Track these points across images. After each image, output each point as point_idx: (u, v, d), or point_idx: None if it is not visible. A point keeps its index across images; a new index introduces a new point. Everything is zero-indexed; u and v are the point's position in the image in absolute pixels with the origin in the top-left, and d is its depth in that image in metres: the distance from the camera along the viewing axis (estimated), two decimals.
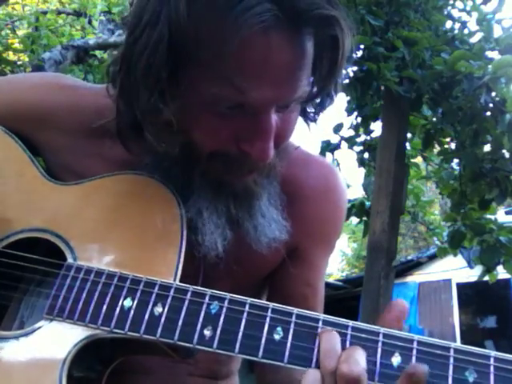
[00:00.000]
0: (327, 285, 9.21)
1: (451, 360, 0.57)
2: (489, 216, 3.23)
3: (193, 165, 0.71)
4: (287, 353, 0.59)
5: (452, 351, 0.58)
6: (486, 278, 3.24)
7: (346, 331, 0.60)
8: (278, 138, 0.68)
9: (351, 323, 0.60)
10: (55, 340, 0.64)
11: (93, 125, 0.78)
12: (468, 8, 3.30)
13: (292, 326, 0.60)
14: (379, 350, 0.58)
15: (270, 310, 0.61)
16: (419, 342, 0.58)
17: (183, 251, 0.68)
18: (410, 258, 10.23)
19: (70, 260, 0.68)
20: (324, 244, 0.88)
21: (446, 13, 3.32)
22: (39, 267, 0.71)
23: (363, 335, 0.59)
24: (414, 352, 0.58)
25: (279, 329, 0.60)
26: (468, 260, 3.29)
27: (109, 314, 0.63)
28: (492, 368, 0.56)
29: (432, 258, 8.87)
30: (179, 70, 0.63)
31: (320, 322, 0.60)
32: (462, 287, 8.95)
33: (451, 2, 3.35)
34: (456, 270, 8.38)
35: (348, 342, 0.59)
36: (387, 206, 3.07)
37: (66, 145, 0.80)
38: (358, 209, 3.66)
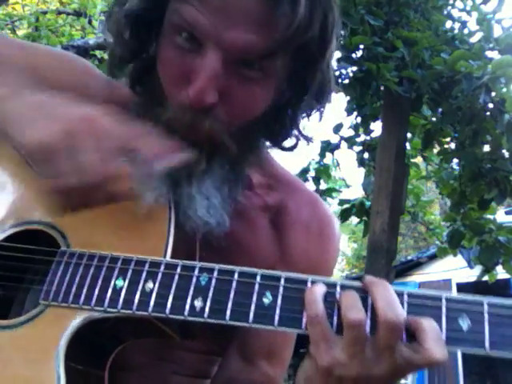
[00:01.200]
0: None
1: (443, 309, 0.58)
2: (488, 216, 3.23)
3: (156, 98, 0.72)
4: (277, 317, 0.60)
5: (444, 301, 0.58)
6: (486, 277, 3.24)
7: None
8: (229, 105, 0.67)
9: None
10: (53, 325, 0.65)
11: (104, 101, 0.80)
12: (468, 8, 3.30)
13: (281, 289, 0.62)
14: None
15: (258, 277, 0.63)
16: (409, 295, 0.59)
17: (172, 227, 0.69)
18: (410, 258, 10.23)
19: (63, 247, 0.70)
20: None
21: (445, 13, 3.32)
22: (35, 257, 0.72)
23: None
24: (406, 304, 0.58)
25: (268, 293, 0.62)
26: (468, 260, 3.28)
27: (101, 295, 0.65)
28: (486, 315, 0.56)
29: (432, 258, 8.87)
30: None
31: (308, 283, 0.62)
32: (462, 287, 8.94)
33: (451, 2, 3.35)
34: (456, 269, 8.38)
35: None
36: (387, 206, 3.07)
37: None
38: (357, 209, 3.67)
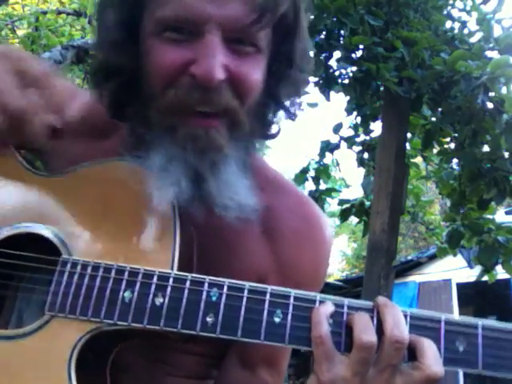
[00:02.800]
0: (327, 285, 9.21)
1: (442, 332, 0.61)
2: (488, 216, 3.23)
3: (147, 103, 0.71)
4: (287, 335, 0.62)
5: (443, 323, 0.61)
6: (485, 277, 3.24)
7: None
8: (236, 82, 0.69)
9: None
10: (60, 336, 0.65)
11: (85, 126, 0.82)
12: (468, 8, 3.30)
13: (290, 308, 0.63)
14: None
15: (268, 294, 0.64)
16: (412, 317, 0.62)
17: (178, 237, 0.68)
18: (410, 258, 10.22)
19: (64, 255, 0.68)
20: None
21: (445, 13, 3.32)
22: (33, 264, 0.71)
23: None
24: (408, 325, 0.61)
25: (278, 311, 0.63)
26: (468, 260, 3.28)
27: (110, 307, 0.64)
28: (480, 337, 0.60)
29: (432, 258, 8.86)
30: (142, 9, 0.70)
31: (316, 303, 0.63)
32: (461, 287, 8.93)
33: (451, 2, 3.35)
34: (456, 269, 8.37)
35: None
36: (387, 206, 3.07)
37: (72, 152, 0.82)
38: (357, 209, 3.67)
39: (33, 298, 0.72)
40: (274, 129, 0.83)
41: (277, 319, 0.62)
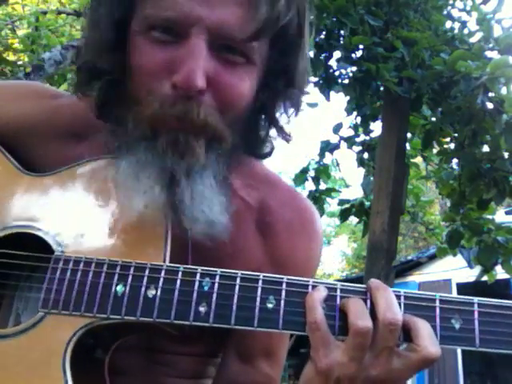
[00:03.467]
0: None
1: (437, 310, 0.61)
2: (487, 216, 3.23)
3: (124, 103, 0.69)
4: (281, 320, 0.62)
5: (437, 302, 0.61)
6: (485, 277, 3.23)
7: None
8: (218, 91, 0.66)
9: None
10: (54, 332, 0.65)
11: (68, 130, 0.80)
12: (468, 8, 3.30)
13: (283, 293, 0.63)
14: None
15: (260, 281, 0.64)
16: (406, 297, 0.62)
17: (170, 230, 0.68)
18: (410, 258, 10.22)
19: (57, 252, 0.69)
20: None
21: (445, 13, 3.32)
22: (27, 263, 0.71)
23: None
24: (402, 306, 0.61)
25: (271, 297, 0.63)
26: (468, 260, 3.28)
27: (103, 302, 0.64)
28: (476, 314, 0.60)
29: (432, 258, 8.86)
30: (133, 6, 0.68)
31: (309, 288, 0.63)
32: (461, 287, 8.93)
33: (451, 2, 3.35)
34: (456, 269, 8.37)
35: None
36: (387, 206, 3.07)
37: (41, 151, 0.81)
38: (357, 209, 3.66)
39: (30, 296, 0.73)
40: (266, 147, 0.81)
41: (270, 305, 0.62)
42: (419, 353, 0.58)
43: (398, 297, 0.62)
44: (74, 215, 0.71)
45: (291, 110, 0.78)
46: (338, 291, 0.63)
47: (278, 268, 0.82)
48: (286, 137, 0.80)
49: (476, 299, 0.61)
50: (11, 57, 4.64)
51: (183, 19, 0.63)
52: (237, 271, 0.64)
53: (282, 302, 0.62)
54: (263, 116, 0.78)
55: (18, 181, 0.76)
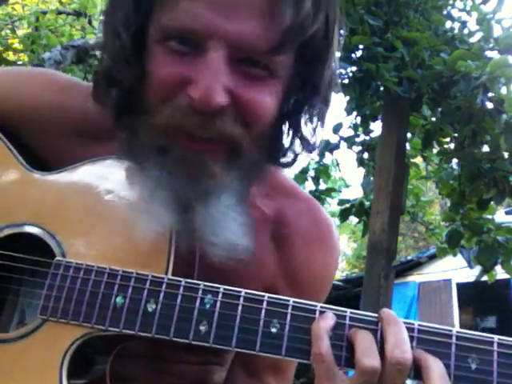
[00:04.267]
0: None
1: (453, 348, 0.57)
2: (487, 216, 3.23)
3: (142, 114, 0.65)
4: (284, 346, 0.59)
5: (454, 338, 0.57)
6: (485, 277, 3.24)
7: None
8: (242, 108, 0.62)
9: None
10: (52, 340, 0.64)
11: (77, 127, 0.78)
12: (468, 8, 3.30)
13: (288, 318, 0.60)
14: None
15: (265, 303, 0.60)
16: (420, 331, 0.58)
17: (173, 242, 0.66)
18: (410, 258, 10.22)
19: (58, 256, 0.67)
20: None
21: (445, 13, 3.32)
22: (27, 266, 0.70)
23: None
24: (415, 340, 0.57)
25: (275, 321, 0.60)
26: (468, 260, 3.28)
27: (102, 313, 0.63)
28: (495, 354, 0.55)
29: (432, 257, 8.86)
30: (149, 12, 0.64)
31: (317, 313, 0.60)
32: (461, 287, 8.93)
33: (451, 2, 3.35)
34: (456, 269, 8.36)
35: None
36: (387, 206, 3.07)
37: (49, 145, 0.80)
38: (357, 209, 3.67)
39: (32, 300, 0.72)
40: (288, 157, 0.76)
41: (273, 329, 0.59)
42: None
43: (412, 330, 0.58)
44: (78, 217, 0.70)
45: (315, 121, 0.73)
46: (347, 319, 0.59)
47: (292, 280, 0.79)
48: (309, 148, 0.75)
49: (496, 338, 0.56)
50: (11, 57, 4.64)
51: (201, 31, 0.59)
52: (240, 290, 0.61)
53: (287, 327, 0.59)
54: (287, 125, 0.73)
55: (22, 178, 0.75)
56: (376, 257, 3.05)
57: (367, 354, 0.55)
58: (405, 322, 0.58)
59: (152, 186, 0.64)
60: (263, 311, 0.60)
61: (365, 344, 0.56)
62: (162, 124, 0.63)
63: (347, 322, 0.59)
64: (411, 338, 0.57)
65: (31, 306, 0.72)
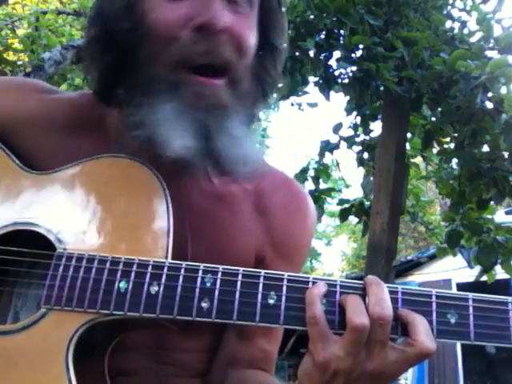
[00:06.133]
0: None
1: (434, 305, 0.63)
2: (487, 216, 3.23)
3: (150, 59, 0.72)
4: (282, 315, 0.63)
5: (434, 297, 0.63)
6: (485, 277, 3.24)
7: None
8: (236, 37, 0.71)
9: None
10: (56, 328, 0.65)
11: (67, 121, 0.81)
12: (468, 8, 3.30)
13: (284, 289, 0.64)
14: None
15: (262, 278, 0.65)
16: (403, 293, 0.64)
17: (172, 228, 0.69)
18: (410, 258, 10.22)
19: (59, 249, 0.69)
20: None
21: (445, 12, 3.32)
22: (29, 259, 0.71)
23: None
24: (400, 301, 0.63)
25: (272, 293, 0.64)
26: (468, 260, 3.28)
27: (106, 298, 0.65)
28: (471, 309, 0.62)
29: (432, 258, 8.86)
30: None
31: (310, 284, 0.64)
32: (461, 287, 8.93)
33: (451, 2, 3.35)
34: (456, 269, 8.36)
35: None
36: (387, 206, 3.07)
37: (43, 145, 0.81)
38: (357, 209, 3.66)
39: (29, 293, 0.73)
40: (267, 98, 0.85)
41: (271, 301, 0.63)
42: (416, 347, 0.60)
43: (396, 292, 0.63)
44: (75, 212, 0.71)
45: (275, 70, 0.82)
46: (338, 287, 0.64)
47: (277, 247, 0.86)
48: (274, 90, 0.84)
49: (471, 295, 0.63)
50: (11, 57, 4.64)
51: None
52: (238, 268, 0.65)
53: (283, 298, 0.63)
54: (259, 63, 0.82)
55: (18, 178, 0.76)
56: (376, 257, 3.05)
57: (357, 314, 0.60)
58: (389, 286, 0.64)
59: (173, 113, 0.70)
60: (261, 285, 0.64)
61: (354, 305, 0.61)
62: (171, 60, 0.71)
63: (338, 289, 0.64)
64: (396, 300, 0.63)
65: (27, 299, 0.72)
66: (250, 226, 0.85)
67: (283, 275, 0.65)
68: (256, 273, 0.65)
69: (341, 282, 0.64)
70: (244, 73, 0.75)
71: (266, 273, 0.65)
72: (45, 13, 4.88)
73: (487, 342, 0.61)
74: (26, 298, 0.73)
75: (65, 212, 0.72)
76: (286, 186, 0.92)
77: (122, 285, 0.65)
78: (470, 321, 0.62)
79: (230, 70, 0.73)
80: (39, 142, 0.81)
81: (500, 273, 3.26)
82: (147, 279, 0.65)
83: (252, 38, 0.75)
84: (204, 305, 0.63)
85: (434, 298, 0.63)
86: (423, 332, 0.60)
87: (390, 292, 0.63)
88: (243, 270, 0.65)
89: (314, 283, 0.64)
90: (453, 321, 0.62)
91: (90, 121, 0.81)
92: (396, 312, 0.62)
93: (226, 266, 0.65)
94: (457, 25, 3.30)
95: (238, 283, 0.64)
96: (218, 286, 0.64)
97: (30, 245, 0.72)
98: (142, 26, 0.72)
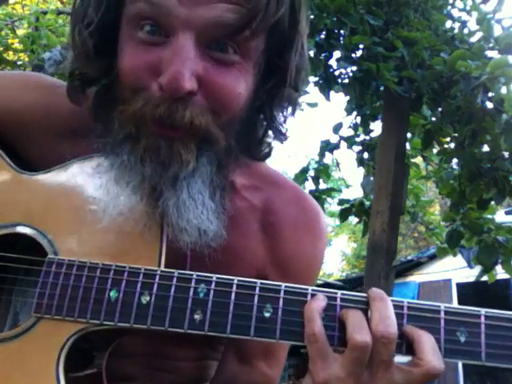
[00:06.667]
0: (327, 285, 9.21)
1: (442, 322, 0.58)
2: (487, 216, 3.23)
3: (114, 104, 0.66)
4: (278, 330, 0.60)
5: (442, 313, 0.59)
6: (485, 277, 3.23)
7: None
8: (211, 93, 0.62)
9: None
10: (47, 337, 0.64)
11: (64, 126, 0.78)
12: (468, 7, 3.30)
13: (281, 302, 0.61)
14: None
15: (257, 289, 0.61)
16: (409, 308, 0.59)
17: (165, 234, 0.66)
18: (410, 258, 10.22)
19: (50, 254, 0.67)
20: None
21: (445, 12, 3.32)
22: (20, 266, 0.70)
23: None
24: (405, 317, 0.59)
25: (268, 305, 0.61)
26: (468, 260, 3.28)
27: (97, 308, 0.63)
28: (483, 326, 0.57)
29: (432, 258, 8.86)
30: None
31: (308, 296, 0.61)
32: (461, 287, 8.93)
33: (451, 2, 3.35)
34: (456, 269, 8.36)
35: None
36: (387, 206, 3.07)
37: (36, 146, 0.80)
38: (357, 209, 3.66)
39: (26, 300, 0.72)
40: (264, 148, 0.78)
41: (267, 314, 0.60)
42: (422, 367, 0.56)
43: (401, 307, 0.59)
44: (68, 215, 0.70)
45: (288, 110, 0.75)
46: (338, 300, 0.60)
47: (282, 267, 0.81)
48: (281, 138, 0.76)
49: (483, 311, 0.58)
50: (11, 57, 4.64)
51: (167, 17, 0.59)
52: (233, 277, 0.62)
53: (280, 311, 0.60)
54: (260, 116, 0.74)
55: (11, 179, 0.74)
56: (376, 257, 3.05)
57: (358, 330, 0.56)
58: (394, 300, 0.59)
59: (120, 171, 0.65)
60: (256, 297, 0.61)
61: (355, 321, 0.58)
62: (132, 113, 0.63)
63: (338, 303, 0.60)
64: (401, 315, 0.59)
65: (25, 305, 0.72)
66: (253, 245, 0.80)
67: (280, 286, 0.61)
68: (252, 283, 0.62)
69: (342, 294, 0.61)
70: (222, 130, 0.65)
71: (261, 283, 0.62)
72: (45, 13, 4.88)
73: (499, 364, 0.57)
74: (25, 303, 0.72)
75: (56, 214, 0.70)
76: (298, 203, 0.84)
77: (113, 294, 0.63)
78: (482, 340, 0.57)
79: (198, 129, 0.63)
80: (37, 146, 0.80)
81: (500, 273, 3.26)
82: (138, 288, 0.63)
83: (237, 92, 0.64)
84: (197, 317, 0.61)
85: (442, 314, 0.59)
86: (430, 350, 0.56)
87: (396, 307, 0.59)
88: (238, 280, 0.62)
89: (313, 295, 0.60)
90: (462, 339, 0.57)
91: (89, 126, 0.76)
92: (401, 329, 0.58)
93: (220, 276, 0.63)
94: (457, 25, 3.29)
95: (233, 294, 0.61)
96: (211, 297, 0.61)
97: (26, 247, 0.70)
98: (113, 68, 0.66)
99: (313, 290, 0.61)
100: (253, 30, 0.61)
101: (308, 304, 0.60)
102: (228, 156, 0.70)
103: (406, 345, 0.58)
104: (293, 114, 0.76)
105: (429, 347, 0.56)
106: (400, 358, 0.59)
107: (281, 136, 0.76)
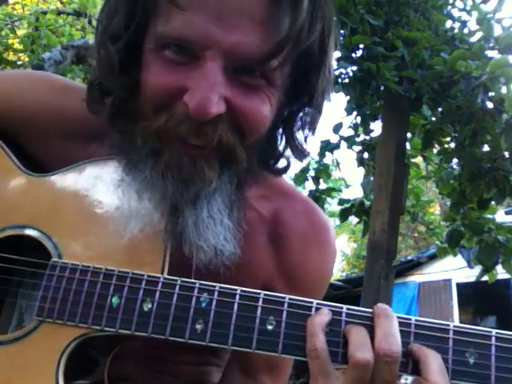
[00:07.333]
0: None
1: (451, 342, 0.56)
2: (488, 216, 3.23)
3: (137, 120, 0.65)
4: (281, 344, 0.58)
5: (451, 333, 0.57)
6: (485, 277, 3.24)
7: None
8: (238, 117, 0.62)
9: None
10: (48, 341, 0.63)
11: (75, 129, 0.78)
12: (468, 7, 3.30)
13: (284, 315, 0.59)
14: None
15: (261, 300, 0.60)
16: (417, 326, 0.57)
17: (170, 241, 0.66)
18: (410, 258, 10.23)
19: (54, 257, 0.67)
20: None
21: (445, 12, 3.32)
22: (24, 268, 0.70)
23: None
24: (412, 335, 0.57)
25: (271, 318, 0.59)
26: (468, 260, 3.28)
27: (98, 313, 0.63)
28: (493, 348, 0.55)
29: (432, 257, 8.86)
30: (146, 21, 0.64)
31: (313, 310, 0.59)
32: (461, 287, 8.94)
33: (451, 2, 3.35)
34: (456, 269, 8.36)
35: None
36: (387, 206, 3.07)
37: (46, 148, 0.79)
38: (357, 209, 3.66)
39: (30, 303, 0.71)
40: (281, 163, 0.76)
41: (270, 327, 0.59)
42: None
43: (408, 325, 0.57)
44: (74, 218, 0.69)
45: (308, 129, 0.74)
46: (344, 315, 0.58)
47: (289, 279, 0.80)
48: (301, 156, 0.75)
49: (494, 332, 0.55)
50: (11, 57, 4.65)
51: (198, 41, 0.59)
52: (236, 288, 0.61)
53: (283, 324, 0.58)
54: (280, 133, 0.74)
55: (19, 181, 0.74)
56: (376, 257, 3.05)
57: (360, 348, 0.55)
58: (402, 317, 0.58)
59: (142, 186, 0.64)
60: (259, 309, 0.60)
61: (357, 338, 0.56)
62: (155, 129, 0.63)
63: (343, 318, 0.58)
64: (408, 333, 0.57)
65: (29, 307, 0.71)
66: (261, 256, 0.79)
67: (284, 298, 0.60)
68: (255, 294, 0.60)
69: (347, 309, 0.58)
70: (246, 150, 0.65)
71: (265, 295, 0.60)
72: (45, 13, 4.88)
73: None
74: (29, 306, 0.71)
75: (61, 217, 0.70)
76: (308, 216, 0.83)
77: (115, 300, 0.62)
78: (492, 362, 0.54)
79: (223, 148, 0.63)
80: (43, 147, 0.79)
81: (501, 273, 3.26)
82: (140, 295, 0.62)
83: (263, 115, 0.64)
84: (198, 326, 0.60)
85: (451, 334, 0.56)
86: (436, 371, 0.54)
87: (402, 324, 0.57)
88: (241, 291, 0.61)
89: (317, 309, 0.59)
90: (471, 361, 0.55)
91: (102, 131, 0.75)
92: (407, 347, 0.56)
93: (223, 285, 0.61)
94: (457, 25, 3.29)
95: (235, 305, 0.60)
96: (213, 306, 0.60)
97: (31, 249, 0.70)
98: (137, 83, 0.65)
99: (318, 303, 0.59)
100: (281, 60, 0.61)
101: (311, 318, 0.58)
102: (248, 175, 0.70)
103: (412, 364, 0.56)
104: (313, 133, 0.75)
105: (435, 367, 0.54)
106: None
107: (299, 154, 0.75)
